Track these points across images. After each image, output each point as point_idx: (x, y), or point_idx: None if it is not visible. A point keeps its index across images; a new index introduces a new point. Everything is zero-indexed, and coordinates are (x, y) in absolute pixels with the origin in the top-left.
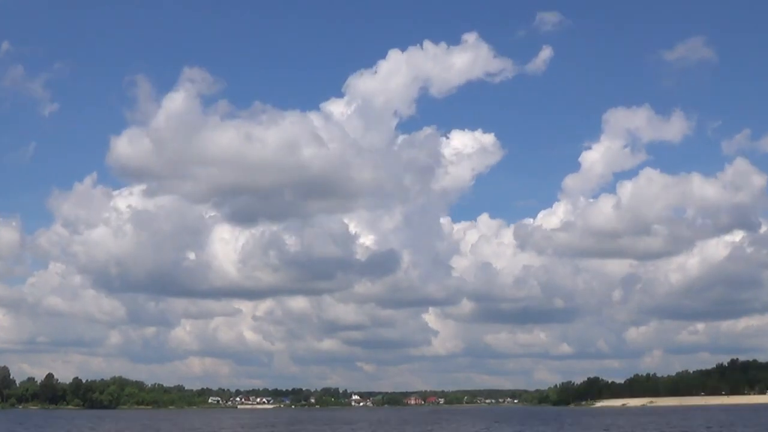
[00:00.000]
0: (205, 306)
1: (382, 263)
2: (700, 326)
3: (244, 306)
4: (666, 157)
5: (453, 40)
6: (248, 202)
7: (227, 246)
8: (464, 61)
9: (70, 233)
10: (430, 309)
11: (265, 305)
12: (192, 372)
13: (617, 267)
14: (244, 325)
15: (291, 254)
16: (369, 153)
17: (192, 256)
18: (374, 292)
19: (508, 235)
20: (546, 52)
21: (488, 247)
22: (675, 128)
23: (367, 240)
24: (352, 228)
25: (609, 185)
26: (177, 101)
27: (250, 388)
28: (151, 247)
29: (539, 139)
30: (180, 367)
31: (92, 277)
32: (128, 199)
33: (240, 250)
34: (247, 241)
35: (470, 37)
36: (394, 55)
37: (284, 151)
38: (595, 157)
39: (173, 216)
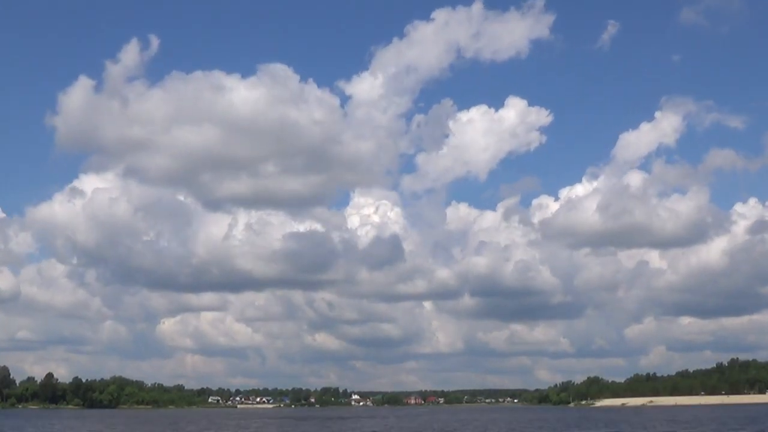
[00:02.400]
0: (194, 301)
1: (381, 253)
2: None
3: (235, 300)
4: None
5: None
6: (224, 177)
7: (214, 233)
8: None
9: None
10: (431, 305)
11: (257, 299)
12: (182, 370)
13: (628, 258)
14: (236, 320)
15: (281, 242)
16: (373, 126)
17: (173, 245)
18: (372, 284)
19: (519, 223)
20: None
21: (497, 237)
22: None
23: (365, 227)
24: (348, 213)
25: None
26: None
27: (250, 388)
28: (122, 236)
29: (580, 125)
30: (170, 364)
31: (71, 270)
32: (97, 184)
33: (227, 238)
34: (232, 227)
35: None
36: (440, 15)
37: (267, 112)
38: (632, 143)
39: (155, 203)
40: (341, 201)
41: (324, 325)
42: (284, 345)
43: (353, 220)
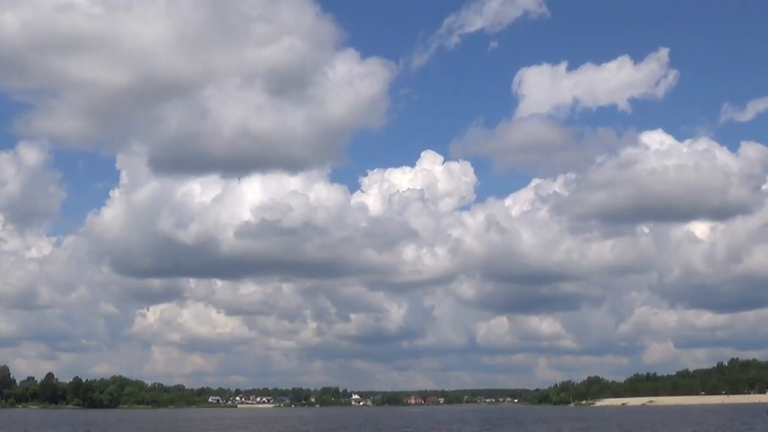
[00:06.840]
0: (176, 290)
1: (382, 234)
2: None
3: (227, 293)
4: None
5: None
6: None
7: (196, 210)
8: None
9: None
10: (433, 297)
11: (252, 292)
12: (166, 367)
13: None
14: (227, 314)
15: (261, 219)
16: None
17: (155, 228)
18: (371, 275)
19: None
20: None
21: (515, 219)
22: None
23: (367, 204)
24: (345, 187)
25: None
26: None
27: (249, 388)
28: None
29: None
30: (152, 360)
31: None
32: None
33: (209, 216)
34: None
35: None
36: None
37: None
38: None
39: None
40: (332, 168)
41: (320, 319)
42: (280, 342)
43: (351, 194)
